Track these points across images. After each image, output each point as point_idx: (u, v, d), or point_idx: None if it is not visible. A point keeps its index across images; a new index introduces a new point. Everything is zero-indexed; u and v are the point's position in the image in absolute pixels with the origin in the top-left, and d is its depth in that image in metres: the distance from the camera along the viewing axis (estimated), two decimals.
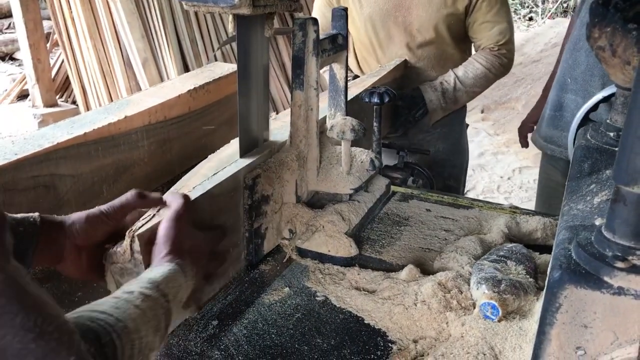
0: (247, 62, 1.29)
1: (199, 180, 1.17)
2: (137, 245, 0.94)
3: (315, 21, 1.33)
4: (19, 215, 0.91)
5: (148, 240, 0.96)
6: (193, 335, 1.11)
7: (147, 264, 0.94)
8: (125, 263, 0.95)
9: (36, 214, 0.92)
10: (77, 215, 0.96)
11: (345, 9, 1.51)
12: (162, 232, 0.96)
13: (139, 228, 0.96)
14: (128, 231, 0.96)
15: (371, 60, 2.40)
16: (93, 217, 0.96)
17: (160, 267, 0.90)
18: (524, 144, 2.58)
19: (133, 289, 0.81)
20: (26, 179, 1.23)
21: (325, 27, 2.14)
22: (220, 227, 1.18)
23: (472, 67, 2.29)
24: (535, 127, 2.52)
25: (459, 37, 2.31)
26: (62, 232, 0.94)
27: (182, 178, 1.20)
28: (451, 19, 2.22)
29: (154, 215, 1.02)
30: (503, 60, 2.30)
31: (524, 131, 2.56)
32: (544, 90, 2.49)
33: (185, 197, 1.03)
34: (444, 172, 2.43)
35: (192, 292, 0.99)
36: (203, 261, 1.02)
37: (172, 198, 1.03)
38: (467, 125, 2.63)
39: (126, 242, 0.95)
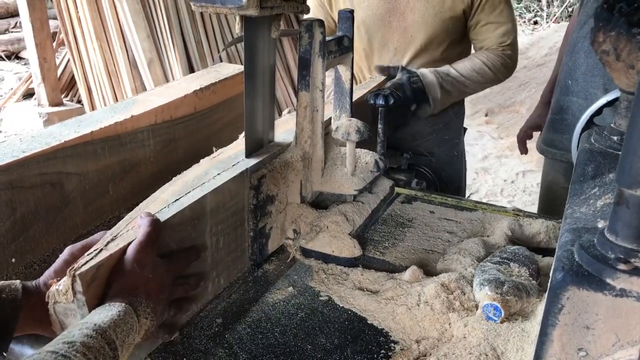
0: (253, 63, 1.30)
1: (157, 208, 1.06)
2: (78, 286, 0.86)
3: (321, 23, 1.34)
4: (0, 283, 0.89)
5: (92, 279, 0.88)
6: (197, 333, 1.12)
7: (92, 305, 0.88)
8: (69, 303, 0.87)
9: (18, 282, 0.90)
10: (42, 280, 0.94)
11: (352, 12, 1.52)
12: (120, 264, 0.92)
13: (82, 266, 0.88)
14: (69, 269, 0.87)
15: (364, 68, 2.30)
16: (44, 286, 0.92)
17: (109, 308, 0.85)
18: (523, 150, 2.55)
19: (75, 338, 0.76)
20: (33, 176, 1.24)
21: None
22: (194, 247, 1.09)
23: (469, 61, 2.18)
24: (534, 133, 2.51)
25: (458, 43, 2.21)
26: (41, 297, 0.90)
27: (140, 204, 1.09)
28: (449, 23, 2.11)
29: (100, 250, 0.93)
30: (506, 60, 2.19)
31: (523, 137, 2.51)
32: (542, 97, 2.48)
33: (154, 224, 0.98)
34: (441, 179, 2.32)
35: (162, 322, 0.98)
36: (165, 294, 0.97)
37: (142, 222, 0.98)
38: (466, 129, 2.52)
39: (67, 281, 0.86)
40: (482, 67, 2.16)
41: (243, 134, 1.37)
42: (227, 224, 1.21)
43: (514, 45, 2.19)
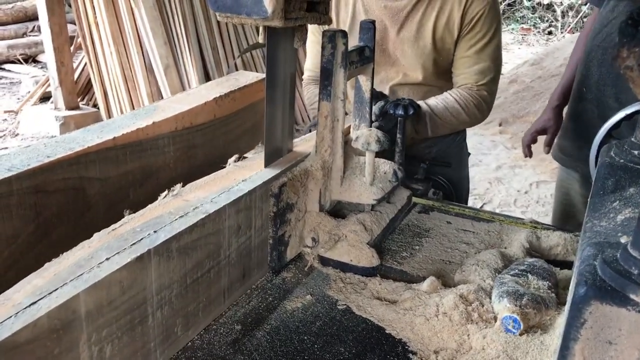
0: (275, 72, 1.32)
1: (1, 317, 0.75)
2: None
3: (344, 34, 1.35)
4: None
5: None
6: (217, 339, 1.12)
7: None
8: None
9: None
10: None
11: (373, 22, 1.53)
12: None
13: None
14: None
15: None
16: None
17: None
18: (528, 153, 2.54)
19: None
20: (57, 180, 1.26)
21: (317, 66, 1.88)
22: None
23: (442, 100, 2.01)
24: (538, 136, 2.51)
25: (451, 79, 2.07)
26: None
27: (6, 292, 0.81)
28: (442, 55, 2.00)
29: None
30: (480, 102, 2.01)
31: (529, 141, 2.50)
32: (550, 101, 2.48)
33: None
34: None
35: None
36: None
37: None
38: (469, 154, 2.39)
39: None
40: (455, 106, 2.00)
41: (176, 186, 1.23)
42: (118, 325, 0.90)
43: (490, 86, 2.02)
